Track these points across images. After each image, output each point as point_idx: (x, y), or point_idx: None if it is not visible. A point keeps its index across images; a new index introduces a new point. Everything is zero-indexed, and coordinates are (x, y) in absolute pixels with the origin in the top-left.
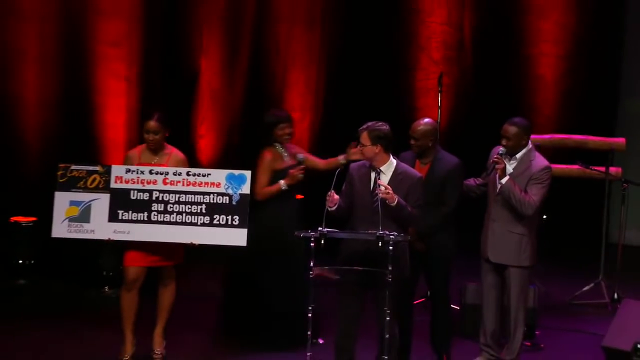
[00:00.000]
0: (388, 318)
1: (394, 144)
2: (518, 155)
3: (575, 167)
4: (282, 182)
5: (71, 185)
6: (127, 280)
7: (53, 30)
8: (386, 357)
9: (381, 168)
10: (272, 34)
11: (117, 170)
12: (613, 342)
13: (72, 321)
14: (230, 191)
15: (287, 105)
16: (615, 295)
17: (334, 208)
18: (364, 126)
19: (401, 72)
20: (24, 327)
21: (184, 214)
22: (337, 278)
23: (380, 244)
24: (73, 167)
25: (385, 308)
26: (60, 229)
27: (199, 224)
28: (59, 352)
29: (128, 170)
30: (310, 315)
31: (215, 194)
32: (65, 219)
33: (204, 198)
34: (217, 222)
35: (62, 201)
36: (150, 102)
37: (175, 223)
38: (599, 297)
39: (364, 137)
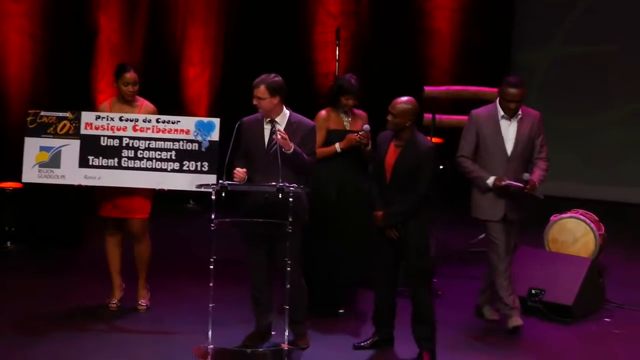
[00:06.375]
0: (289, 269)
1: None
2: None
3: None
4: (337, 144)
5: (41, 131)
6: (108, 227)
7: None
8: (287, 307)
9: (276, 119)
10: None
11: (87, 116)
12: None
13: None
14: (199, 138)
15: (186, 60)
16: None
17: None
18: (260, 79)
19: (300, 26)
20: None
21: (154, 160)
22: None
23: (280, 196)
24: (42, 113)
25: (287, 259)
26: (31, 174)
27: (168, 170)
28: None
29: (98, 117)
30: (212, 267)
31: (185, 141)
32: (35, 165)
33: (173, 145)
34: (187, 168)
35: (32, 147)
36: (54, 58)
37: (146, 169)
38: None
39: (262, 91)
